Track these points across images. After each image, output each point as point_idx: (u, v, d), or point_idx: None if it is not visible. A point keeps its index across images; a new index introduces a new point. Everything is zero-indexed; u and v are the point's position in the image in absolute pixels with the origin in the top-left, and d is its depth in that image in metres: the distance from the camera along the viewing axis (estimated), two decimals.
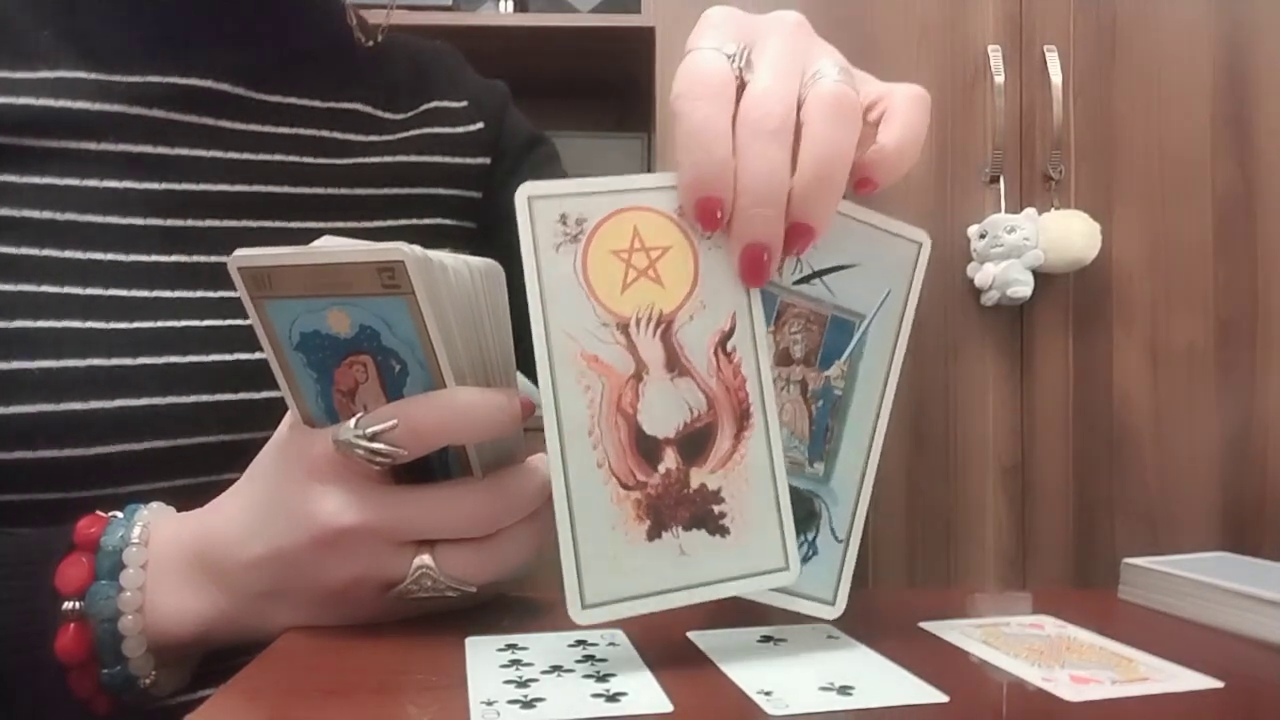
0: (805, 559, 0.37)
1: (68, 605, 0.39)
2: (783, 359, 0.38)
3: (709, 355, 0.35)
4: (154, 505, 0.43)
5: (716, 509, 0.35)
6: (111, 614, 0.39)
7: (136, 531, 0.41)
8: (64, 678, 0.39)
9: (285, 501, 0.39)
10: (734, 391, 0.35)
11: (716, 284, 0.36)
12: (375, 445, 0.37)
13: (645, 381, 0.34)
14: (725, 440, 0.35)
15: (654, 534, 0.34)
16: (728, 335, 0.36)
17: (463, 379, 0.39)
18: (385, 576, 0.39)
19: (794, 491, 0.37)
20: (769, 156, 0.34)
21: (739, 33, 0.37)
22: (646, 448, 0.34)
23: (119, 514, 0.42)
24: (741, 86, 0.36)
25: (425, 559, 0.39)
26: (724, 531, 0.35)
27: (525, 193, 0.35)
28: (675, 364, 0.35)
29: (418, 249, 0.37)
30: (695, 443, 0.35)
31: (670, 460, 0.34)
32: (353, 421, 0.38)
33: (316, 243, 0.39)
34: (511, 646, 0.38)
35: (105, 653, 0.39)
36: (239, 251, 0.38)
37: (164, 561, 0.41)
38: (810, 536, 0.38)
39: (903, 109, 0.38)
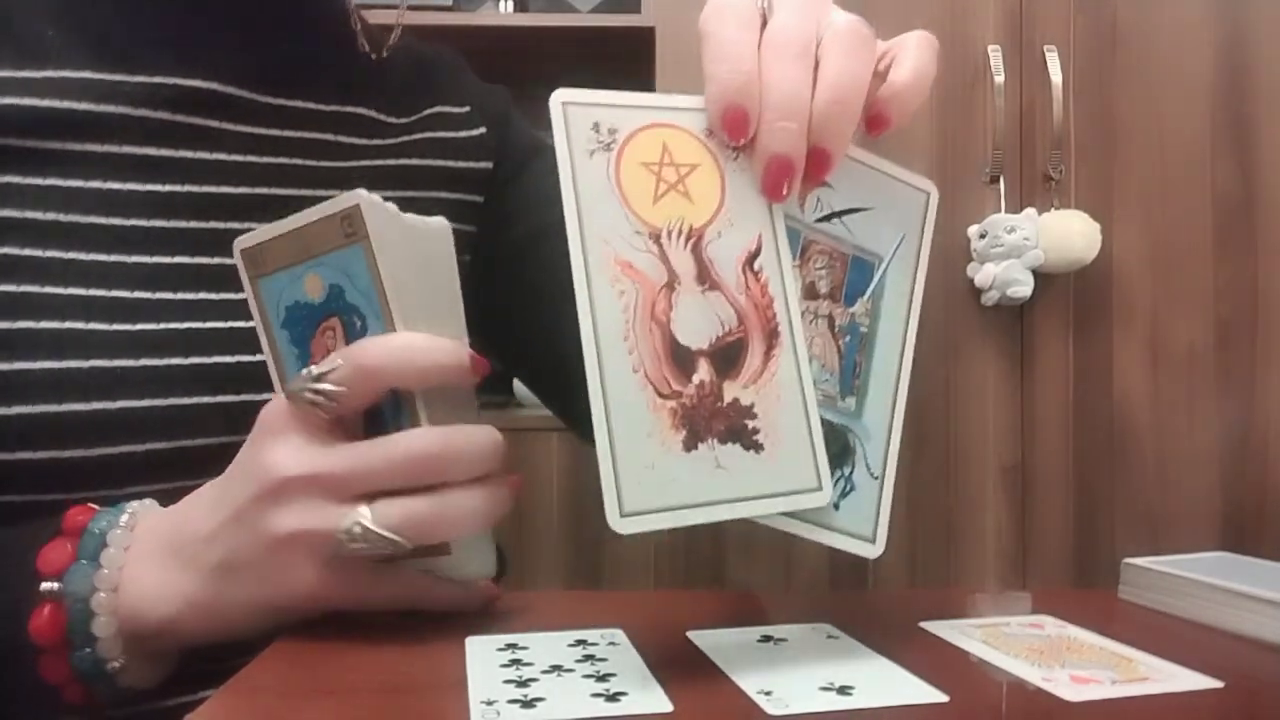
0: (844, 494, 0.38)
1: (45, 586, 0.40)
2: (810, 293, 0.38)
3: (737, 272, 0.36)
4: (145, 500, 0.44)
5: (750, 424, 0.34)
6: (86, 592, 0.40)
7: (124, 519, 0.42)
8: (37, 662, 0.40)
9: (241, 462, 0.41)
10: (762, 310, 0.36)
11: (742, 205, 0.36)
12: (321, 386, 0.38)
13: (678, 292, 0.34)
14: (756, 356, 0.35)
15: (690, 444, 0.33)
16: (754, 255, 0.36)
17: (414, 327, 0.40)
18: (324, 530, 0.39)
19: (829, 425, 0.37)
20: (792, 74, 0.36)
21: None
22: (681, 357, 0.34)
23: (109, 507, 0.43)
24: (764, 24, 0.37)
25: (362, 510, 0.39)
26: (758, 447, 0.34)
27: (559, 98, 0.35)
28: (706, 277, 0.35)
29: (375, 197, 0.39)
30: (728, 356, 0.35)
31: (704, 372, 0.34)
32: (304, 370, 0.39)
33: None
34: (511, 646, 0.38)
35: (76, 632, 0.40)
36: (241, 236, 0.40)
37: (143, 545, 0.41)
38: (847, 471, 0.38)
39: (911, 50, 0.40)
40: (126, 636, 0.40)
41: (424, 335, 0.40)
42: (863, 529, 0.38)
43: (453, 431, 0.40)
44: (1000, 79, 1.42)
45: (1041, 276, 1.41)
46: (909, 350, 0.40)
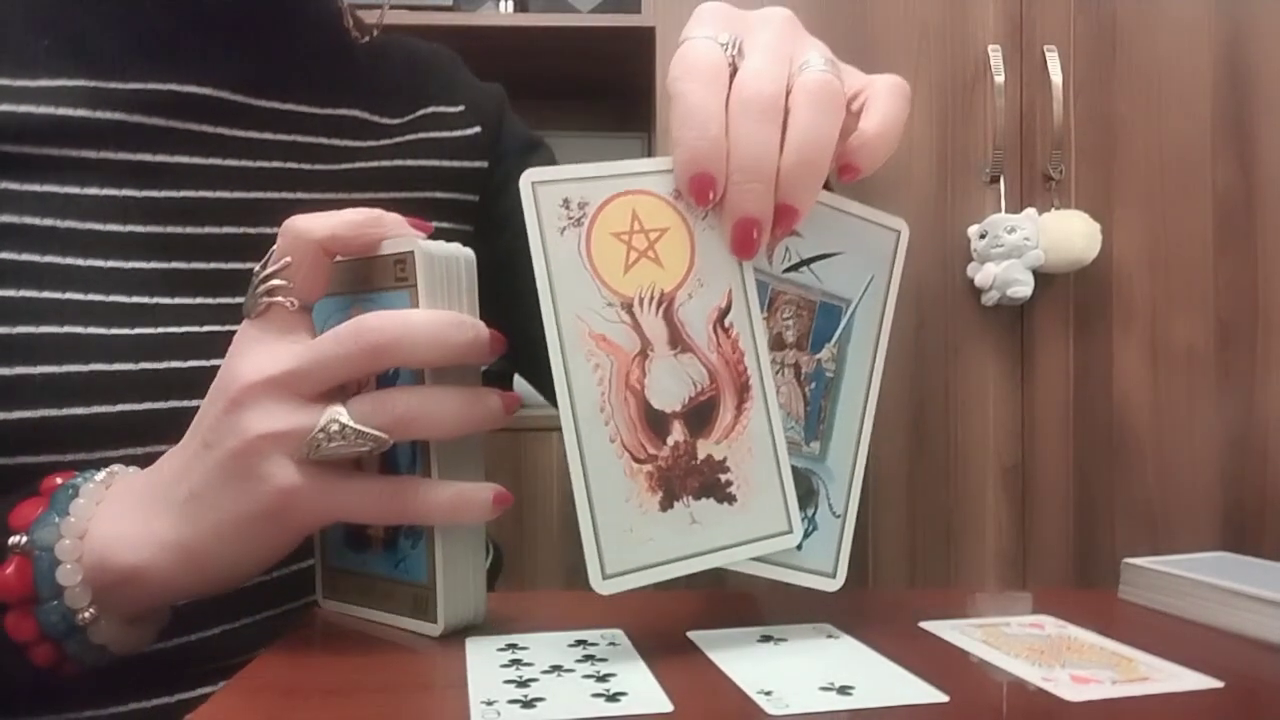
0: (806, 534, 0.39)
1: (13, 540, 0.39)
2: (776, 344, 0.39)
3: (708, 331, 0.37)
4: (130, 467, 0.44)
5: (723, 478, 0.36)
6: (52, 541, 0.39)
7: (101, 476, 0.42)
8: (3, 621, 0.39)
9: (207, 395, 0.40)
10: (733, 365, 0.37)
11: (712, 263, 0.37)
12: (272, 283, 0.40)
13: (650, 358, 0.36)
14: (728, 412, 0.37)
15: (666, 504, 0.35)
16: (725, 312, 0.37)
17: (444, 381, 0.39)
18: (299, 429, 0.38)
19: (793, 470, 0.38)
20: (759, 135, 0.36)
21: (731, 25, 0.39)
22: (655, 421, 0.36)
23: None
24: (734, 73, 0.38)
25: (337, 407, 0.38)
26: (731, 499, 0.36)
27: (530, 178, 0.36)
28: (678, 340, 0.36)
29: (431, 245, 0.39)
30: (700, 415, 0.36)
31: (678, 433, 0.36)
32: (268, 266, 0.40)
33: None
34: (511, 646, 0.38)
35: (42, 583, 0.39)
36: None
37: (116, 496, 0.41)
38: (810, 513, 0.39)
39: (882, 98, 0.40)
40: (95, 586, 0.39)
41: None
42: (824, 565, 0.40)
43: (411, 311, 0.39)
44: (1000, 79, 1.42)
45: (1041, 276, 1.41)
46: (874, 392, 0.41)
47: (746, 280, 0.38)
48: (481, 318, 0.43)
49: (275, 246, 0.40)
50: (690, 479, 0.36)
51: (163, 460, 0.42)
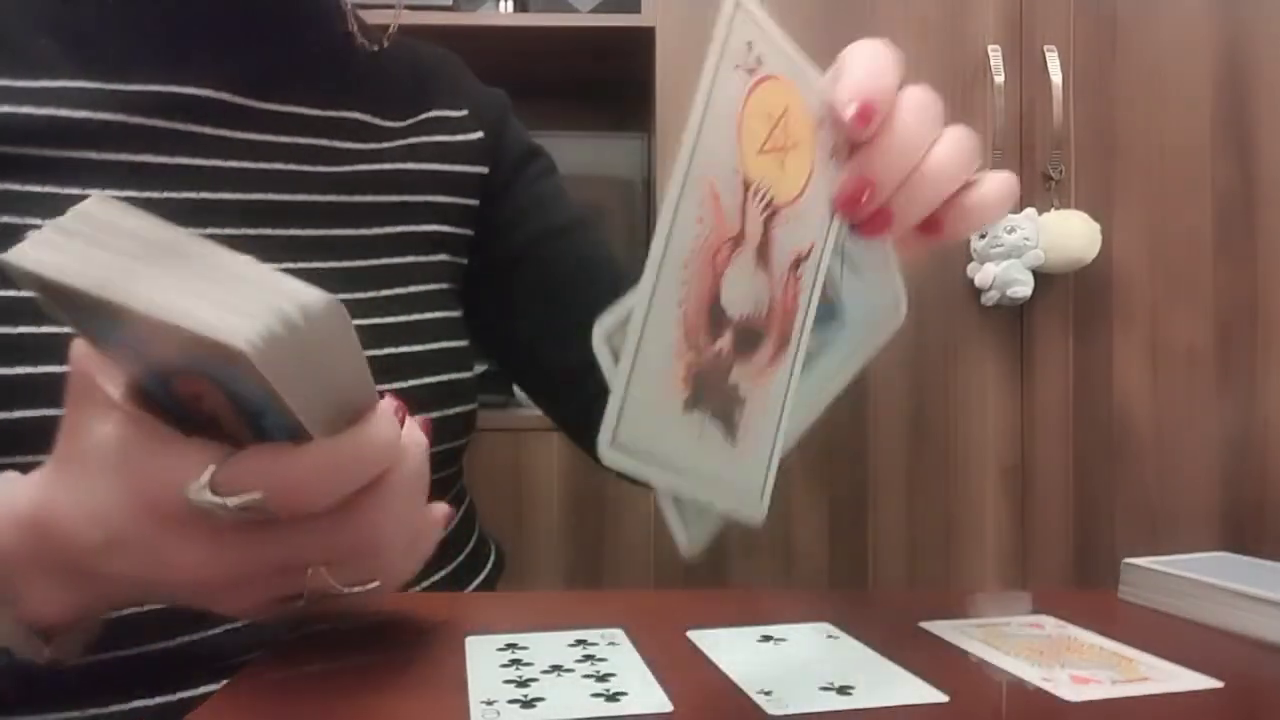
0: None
1: None
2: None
3: (785, 268, 0.35)
4: (9, 473, 0.40)
5: (736, 414, 0.34)
6: None
7: None
8: None
9: (142, 542, 0.34)
10: (788, 314, 0.35)
11: (813, 206, 0.36)
12: (241, 505, 0.32)
13: (739, 251, 0.33)
14: (765, 353, 0.35)
15: (690, 406, 0.32)
16: (801, 259, 0.36)
17: (328, 425, 0.33)
18: (279, 595, 0.36)
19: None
20: (918, 126, 0.36)
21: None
22: (715, 316, 0.33)
23: None
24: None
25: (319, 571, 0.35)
26: (733, 440, 0.34)
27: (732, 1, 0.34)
28: (765, 254, 0.34)
29: (264, 329, 0.31)
30: (748, 339, 0.34)
31: (727, 341, 0.33)
32: (206, 476, 0.32)
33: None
34: (511, 646, 0.38)
35: None
36: (33, 253, 0.33)
37: (13, 551, 0.37)
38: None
39: (999, 180, 0.40)
40: (42, 630, 0.38)
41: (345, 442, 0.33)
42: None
43: (369, 500, 0.35)
44: (1000, 79, 1.42)
45: (1041, 276, 1.41)
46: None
47: (828, 244, 0.37)
48: (472, 316, 0.42)
49: (254, 495, 0.32)
50: (715, 393, 0.33)
51: (57, 527, 0.36)
